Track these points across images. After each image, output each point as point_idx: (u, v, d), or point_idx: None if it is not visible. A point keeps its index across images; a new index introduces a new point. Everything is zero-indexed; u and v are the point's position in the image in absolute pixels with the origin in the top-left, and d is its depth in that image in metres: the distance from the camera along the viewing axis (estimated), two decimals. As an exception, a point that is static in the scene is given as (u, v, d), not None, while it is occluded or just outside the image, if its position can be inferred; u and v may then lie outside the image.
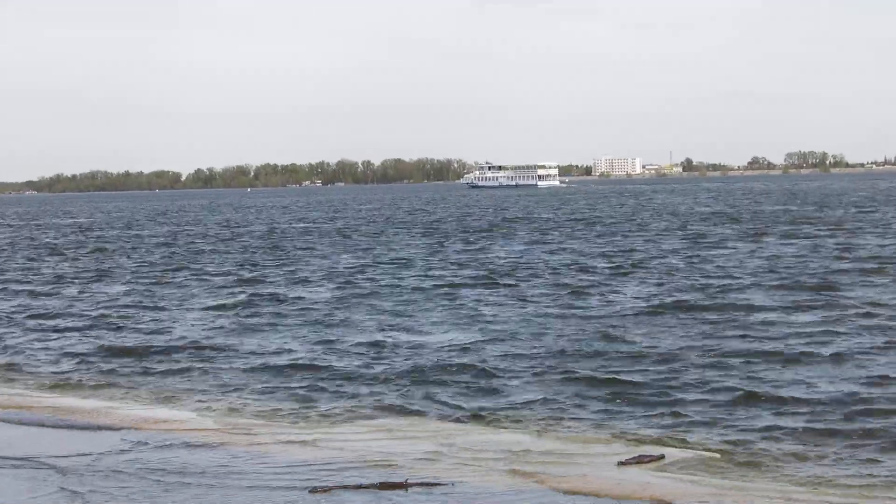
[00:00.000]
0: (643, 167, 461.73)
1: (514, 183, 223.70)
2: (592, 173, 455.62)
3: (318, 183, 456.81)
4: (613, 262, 34.14)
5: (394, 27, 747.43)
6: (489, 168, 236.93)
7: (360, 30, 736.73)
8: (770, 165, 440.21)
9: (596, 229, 56.88)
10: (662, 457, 11.43)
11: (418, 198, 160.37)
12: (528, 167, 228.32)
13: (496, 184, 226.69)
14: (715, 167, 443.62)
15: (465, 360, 17.23)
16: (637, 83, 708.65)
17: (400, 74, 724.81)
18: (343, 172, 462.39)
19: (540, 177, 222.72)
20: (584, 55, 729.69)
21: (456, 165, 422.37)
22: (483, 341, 18.82)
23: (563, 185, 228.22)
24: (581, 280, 29.23)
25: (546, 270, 32.73)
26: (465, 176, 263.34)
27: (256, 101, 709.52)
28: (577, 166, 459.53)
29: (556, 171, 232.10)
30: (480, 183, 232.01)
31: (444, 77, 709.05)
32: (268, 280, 31.14)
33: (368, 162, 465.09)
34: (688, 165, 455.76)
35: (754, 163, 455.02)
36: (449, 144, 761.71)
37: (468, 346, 18.49)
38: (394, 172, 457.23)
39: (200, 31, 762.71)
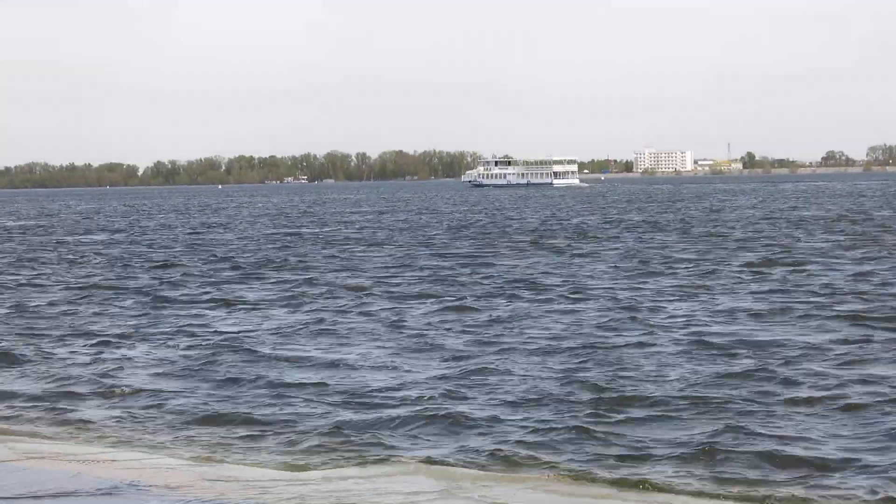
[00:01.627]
0: (695, 163, 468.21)
1: (525, 181, 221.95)
2: (634, 169, 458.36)
3: (304, 179, 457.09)
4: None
5: None
6: (496, 163, 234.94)
7: None
8: (849, 161, 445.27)
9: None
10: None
11: (384, 202, 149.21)
12: (541, 162, 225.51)
13: (504, 182, 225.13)
14: (782, 163, 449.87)
15: (467, 402, 17.00)
16: (688, 62, 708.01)
17: (403, 50, 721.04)
18: (333, 167, 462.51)
19: (556, 174, 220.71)
20: (625, 27, 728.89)
21: (470, 159, 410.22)
22: (467, 381, 18.53)
23: (586, 185, 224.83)
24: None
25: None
26: (468, 173, 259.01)
27: (230, 81, 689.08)
28: (616, 161, 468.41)
29: (574, 168, 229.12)
30: (486, 181, 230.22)
31: (457, 53, 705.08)
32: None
33: (363, 155, 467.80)
34: (749, 161, 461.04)
35: (829, 158, 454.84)
36: (462, 135, 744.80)
37: (466, 385, 18.21)
38: (394, 167, 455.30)
39: None
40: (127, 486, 12.50)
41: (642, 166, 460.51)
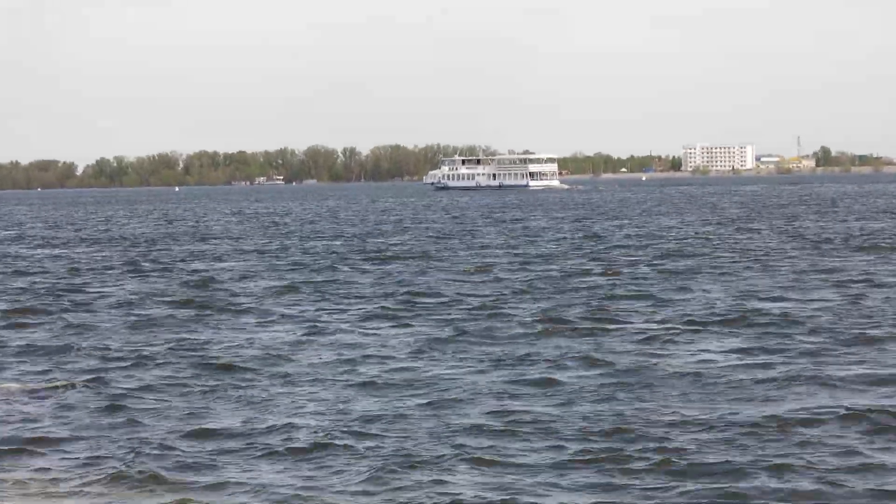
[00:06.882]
0: (757, 160, 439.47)
1: (496, 183, 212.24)
2: (683, 167, 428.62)
3: (279, 180, 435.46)
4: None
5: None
6: (463, 162, 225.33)
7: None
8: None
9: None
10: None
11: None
12: (516, 161, 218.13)
13: (472, 183, 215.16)
14: (864, 160, 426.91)
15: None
16: (751, 46, 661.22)
17: (405, 27, 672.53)
18: (315, 165, 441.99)
19: (532, 174, 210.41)
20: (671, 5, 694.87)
21: (482, 155, 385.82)
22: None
23: (566, 187, 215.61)
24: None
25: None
26: (431, 173, 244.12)
27: (192, 68, 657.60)
28: (660, 157, 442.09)
29: (554, 167, 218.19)
30: (451, 183, 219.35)
31: (466, 31, 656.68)
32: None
33: (352, 150, 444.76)
34: (824, 157, 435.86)
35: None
36: (474, 127, 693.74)
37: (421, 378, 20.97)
38: (389, 165, 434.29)
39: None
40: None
41: (693, 163, 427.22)
